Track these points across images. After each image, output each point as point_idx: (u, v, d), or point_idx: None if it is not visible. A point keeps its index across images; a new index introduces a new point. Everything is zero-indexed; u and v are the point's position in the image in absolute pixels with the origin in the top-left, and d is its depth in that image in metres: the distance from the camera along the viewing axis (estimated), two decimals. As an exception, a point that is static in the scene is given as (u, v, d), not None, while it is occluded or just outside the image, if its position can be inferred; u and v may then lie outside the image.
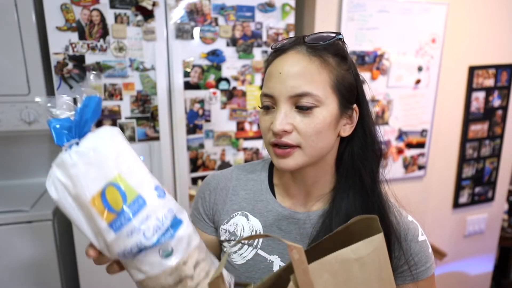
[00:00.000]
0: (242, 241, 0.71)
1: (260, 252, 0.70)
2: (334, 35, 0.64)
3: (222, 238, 0.74)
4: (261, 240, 0.71)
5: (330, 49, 0.63)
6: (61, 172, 0.47)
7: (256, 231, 0.71)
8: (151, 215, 0.48)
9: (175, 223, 0.51)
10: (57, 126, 0.47)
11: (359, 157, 0.67)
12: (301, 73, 0.61)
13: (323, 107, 0.61)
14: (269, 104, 0.64)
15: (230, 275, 0.57)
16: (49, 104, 0.47)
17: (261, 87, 1.56)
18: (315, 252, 0.51)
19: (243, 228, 0.72)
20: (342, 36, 0.65)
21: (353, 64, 0.67)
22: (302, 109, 0.61)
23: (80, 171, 0.46)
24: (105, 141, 0.48)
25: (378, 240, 0.49)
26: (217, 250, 0.78)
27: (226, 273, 0.55)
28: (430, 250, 0.69)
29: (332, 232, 0.54)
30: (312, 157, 0.63)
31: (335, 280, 0.47)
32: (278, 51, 0.66)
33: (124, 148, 0.50)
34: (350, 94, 0.65)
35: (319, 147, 0.63)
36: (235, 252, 0.72)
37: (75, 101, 0.48)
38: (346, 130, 0.66)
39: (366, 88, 0.68)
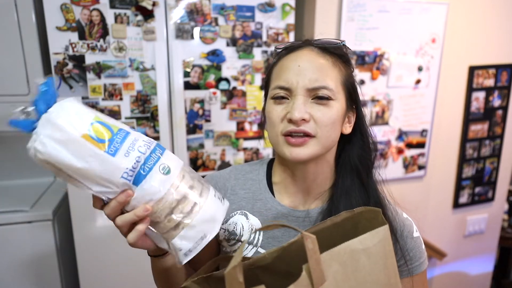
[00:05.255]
0: (242, 240, 0.71)
1: (260, 250, 0.70)
2: (339, 41, 0.69)
3: (221, 237, 0.74)
4: (261, 238, 0.71)
5: (337, 52, 0.68)
6: (49, 127, 0.50)
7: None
8: (138, 139, 0.55)
9: (160, 147, 0.57)
10: (20, 119, 0.52)
11: (357, 155, 0.71)
12: (319, 67, 0.64)
13: (336, 101, 0.65)
14: (283, 95, 0.66)
15: None
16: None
17: (261, 87, 1.56)
18: (319, 233, 0.53)
19: (243, 227, 0.72)
20: (345, 42, 0.71)
21: (353, 68, 0.73)
22: (321, 100, 0.64)
23: (66, 117, 0.51)
24: (71, 101, 0.54)
25: (383, 231, 0.51)
26: (214, 249, 0.78)
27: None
28: (423, 246, 0.73)
29: (337, 215, 0.56)
30: (324, 148, 0.66)
31: (344, 270, 0.48)
32: (289, 48, 0.69)
33: (85, 107, 0.56)
34: (353, 94, 0.70)
35: (331, 139, 0.66)
36: (235, 251, 0.72)
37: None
38: (347, 128, 0.71)
39: (359, 91, 0.73)
